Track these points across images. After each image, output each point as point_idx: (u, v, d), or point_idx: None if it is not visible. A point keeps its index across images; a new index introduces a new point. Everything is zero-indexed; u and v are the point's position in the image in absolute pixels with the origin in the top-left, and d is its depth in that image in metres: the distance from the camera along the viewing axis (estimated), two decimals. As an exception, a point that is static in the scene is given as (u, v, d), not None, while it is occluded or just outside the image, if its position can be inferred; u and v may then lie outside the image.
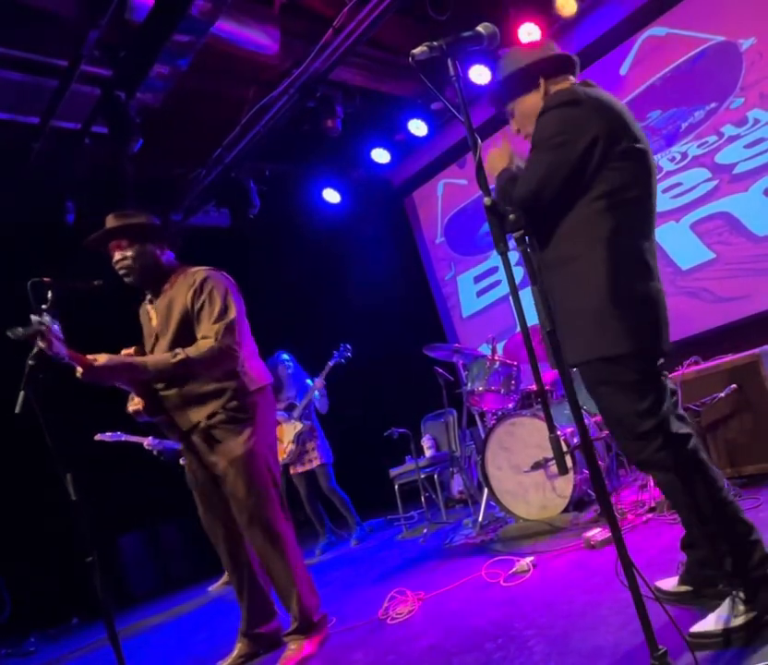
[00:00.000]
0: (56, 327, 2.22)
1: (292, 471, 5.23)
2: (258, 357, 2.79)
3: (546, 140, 1.76)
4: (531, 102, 1.95)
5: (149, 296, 2.74)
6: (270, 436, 2.75)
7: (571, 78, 1.98)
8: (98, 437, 4.77)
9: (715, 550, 1.73)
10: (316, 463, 5.17)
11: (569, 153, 1.72)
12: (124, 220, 2.60)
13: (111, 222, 2.61)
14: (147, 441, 4.91)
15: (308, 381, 5.29)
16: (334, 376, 5.24)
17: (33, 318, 2.17)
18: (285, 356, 5.31)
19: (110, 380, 2.47)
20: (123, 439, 4.85)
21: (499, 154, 1.93)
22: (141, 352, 2.70)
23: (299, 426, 5.12)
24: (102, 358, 2.39)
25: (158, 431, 4.95)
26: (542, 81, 1.94)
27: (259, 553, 2.64)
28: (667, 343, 1.80)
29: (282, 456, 5.12)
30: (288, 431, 5.15)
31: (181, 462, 5.11)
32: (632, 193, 1.76)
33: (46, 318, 2.19)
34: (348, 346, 5.14)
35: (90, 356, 2.37)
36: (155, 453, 4.98)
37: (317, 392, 5.18)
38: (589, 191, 1.75)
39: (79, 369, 2.35)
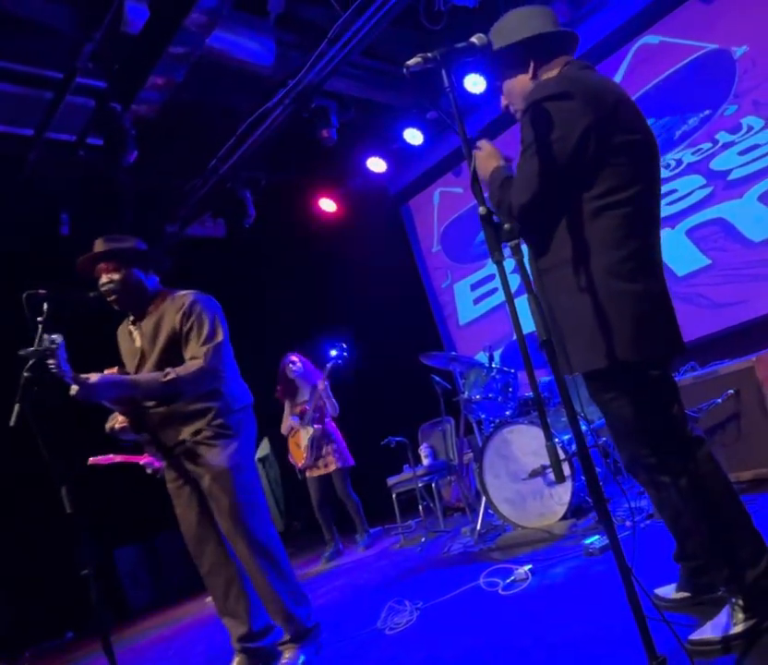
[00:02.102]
0: (62, 345, 2.29)
1: (308, 474, 5.23)
2: (240, 378, 2.86)
3: (537, 140, 1.66)
4: (519, 83, 1.87)
5: (131, 318, 2.79)
6: (252, 452, 2.82)
7: (567, 58, 1.85)
8: (91, 461, 4.74)
9: (719, 557, 1.71)
10: (334, 466, 5.15)
11: (562, 150, 1.64)
12: (111, 245, 2.66)
13: (99, 246, 2.67)
14: (143, 460, 4.88)
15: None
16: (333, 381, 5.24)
17: (46, 336, 2.23)
18: (293, 358, 5.31)
19: (101, 397, 2.52)
20: (117, 460, 4.83)
21: (486, 155, 1.84)
22: (123, 372, 2.74)
23: (311, 431, 5.12)
24: (94, 377, 2.44)
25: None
26: (532, 64, 1.84)
27: (246, 565, 2.66)
28: (676, 343, 1.72)
29: (302, 461, 5.15)
30: (304, 436, 5.18)
31: None
32: (633, 189, 1.67)
33: (57, 337, 2.25)
34: (344, 345, 5.10)
35: (83, 375, 2.41)
36: (158, 475, 4.94)
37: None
38: (587, 190, 1.67)
39: (74, 387, 2.38)
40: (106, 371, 2.65)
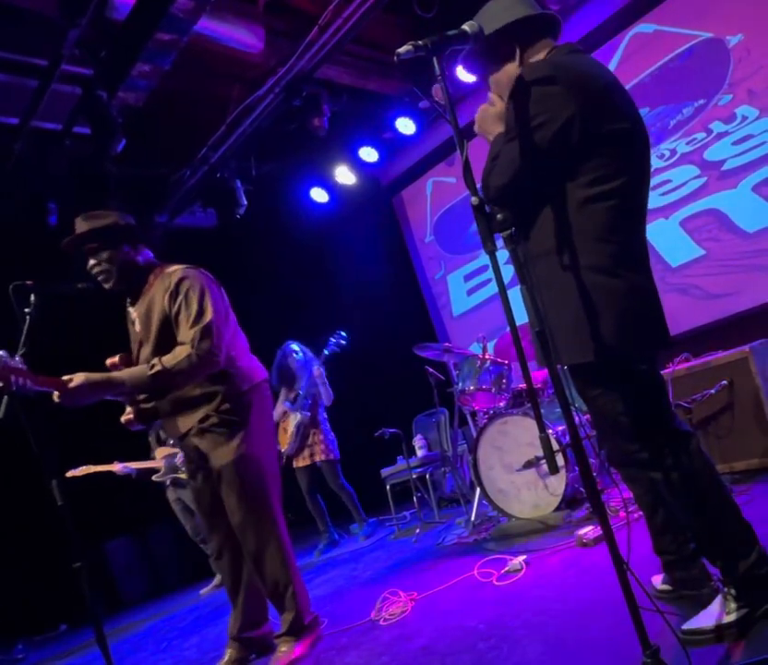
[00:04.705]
0: (17, 359, 2.11)
1: (294, 464, 5.17)
2: (249, 354, 2.74)
3: (519, 125, 1.62)
4: (507, 74, 1.79)
5: (129, 300, 2.69)
6: (267, 435, 2.71)
7: (552, 42, 1.80)
8: (70, 474, 4.74)
9: (711, 549, 1.71)
10: (319, 457, 5.09)
11: (542, 138, 1.60)
12: (92, 222, 2.53)
13: (80, 224, 2.55)
14: (116, 467, 4.88)
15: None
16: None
17: None
18: (294, 346, 5.22)
19: (90, 400, 2.37)
20: (92, 470, 4.83)
21: (494, 115, 1.77)
22: (127, 359, 2.66)
23: (299, 417, 5.05)
24: (78, 378, 2.30)
25: (125, 456, 4.97)
26: (517, 50, 1.78)
27: (252, 556, 2.62)
28: (662, 338, 1.70)
29: (285, 446, 5.08)
30: (291, 421, 5.10)
31: (153, 478, 5.09)
32: (619, 181, 1.63)
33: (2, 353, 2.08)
34: (342, 333, 5.04)
35: (65, 378, 2.28)
36: (133, 476, 4.96)
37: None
38: (572, 179, 1.63)
39: (56, 394, 2.26)
40: (108, 361, 2.59)
